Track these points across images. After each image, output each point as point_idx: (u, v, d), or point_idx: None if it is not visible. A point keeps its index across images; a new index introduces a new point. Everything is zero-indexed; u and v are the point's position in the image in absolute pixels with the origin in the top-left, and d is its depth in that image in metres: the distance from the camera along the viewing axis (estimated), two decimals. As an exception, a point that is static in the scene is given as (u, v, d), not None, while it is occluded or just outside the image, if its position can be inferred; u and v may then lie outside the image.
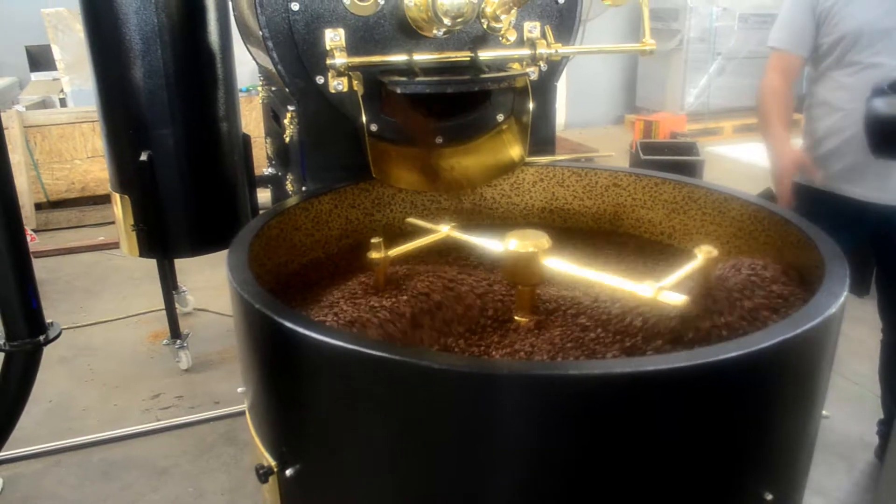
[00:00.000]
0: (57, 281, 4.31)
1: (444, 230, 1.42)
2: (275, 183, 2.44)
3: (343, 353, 0.93)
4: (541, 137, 1.80)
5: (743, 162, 6.52)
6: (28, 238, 2.07)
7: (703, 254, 1.19)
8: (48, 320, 2.09)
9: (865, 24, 2.11)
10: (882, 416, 2.61)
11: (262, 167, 2.70)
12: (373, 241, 1.27)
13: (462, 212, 1.79)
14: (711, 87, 8.03)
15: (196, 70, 2.57)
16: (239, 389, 1.33)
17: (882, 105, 1.93)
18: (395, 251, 1.32)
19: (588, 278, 1.19)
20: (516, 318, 1.26)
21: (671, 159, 4.57)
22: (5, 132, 1.91)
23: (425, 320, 1.22)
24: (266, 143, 2.48)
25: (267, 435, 1.21)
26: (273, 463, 1.18)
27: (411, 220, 1.50)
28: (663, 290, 1.08)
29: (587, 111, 8.23)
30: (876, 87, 1.96)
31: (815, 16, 2.21)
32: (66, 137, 5.36)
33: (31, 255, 2.06)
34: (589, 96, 8.19)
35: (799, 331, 0.97)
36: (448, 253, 1.57)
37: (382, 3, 1.55)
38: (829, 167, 2.28)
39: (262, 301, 1.05)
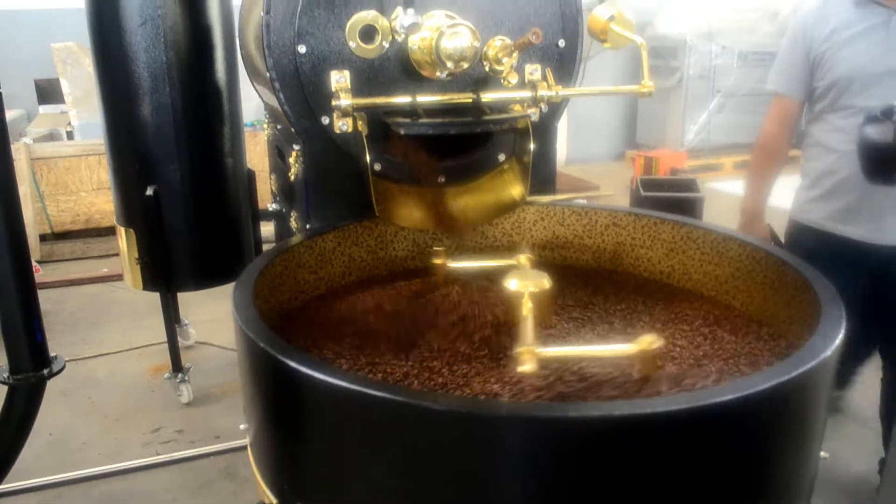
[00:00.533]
0: (60, 312, 4.33)
1: (518, 259, 1.55)
2: (279, 218, 2.46)
3: (345, 392, 0.95)
4: (541, 176, 1.83)
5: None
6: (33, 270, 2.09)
7: (643, 344, 1.10)
8: (52, 353, 2.10)
9: (857, 70, 2.15)
10: (884, 456, 2.61)
11: (266, 201, 2.73)
12: (436, 248, 1.59)
13: (464, 250, 1.81)
14: (711, 124, 8.11)
15: (203, 107, 2.62)
16: (242, 426, 1.34)
17: (873, 132, 1.98)
18: (457, 264, 1.56)
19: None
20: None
21: (672, 196, 4.60)
22: (13, 166, 1.93)
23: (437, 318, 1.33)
24: (270, 179, 2.52)
25: (268, 472, 1.22)
26: (274, 500, 1.18)
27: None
28: (526, 354, 1.10)
29: (588, 147, 8.30)
30: (869, 114, 2.01)
31: (809, 60, 2.26)
32: (73, 170, 5.42)
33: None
34: (590, 132, 8.26)
35: (795, 374, 0.98)
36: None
37: (387, 46, 1.59)
38: (825, 207, 2.31)
39: (267, 340, 1.07)
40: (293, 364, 1.00)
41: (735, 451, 0.97)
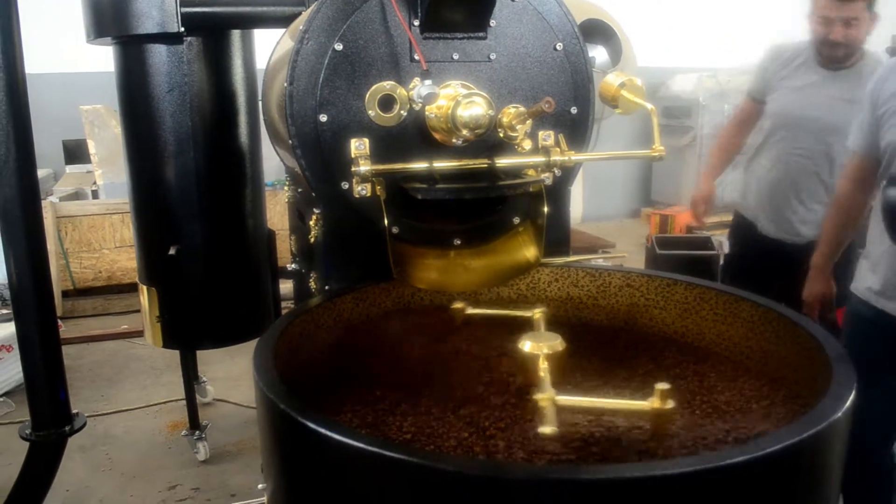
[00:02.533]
0: (80, 368, 4.37)
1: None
2: (297, 278, 2.52)
3: (364, 454, 0.97)
4: (555, 238, 1.87)
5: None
6: (57, 328, 2.14)
7: (657, 401, 1.17)
8: (74, 411, 2.14)
9: None
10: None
11: (285, 259, 2.78)
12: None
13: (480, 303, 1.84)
14: (725, 182, 8.12)
15: (226, 169, 2.70)
16: (260, 486, 1.36)
17: None
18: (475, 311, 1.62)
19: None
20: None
21: (687, 254, 4.62)
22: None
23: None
24: (290, 239, 2.57)
25: (286, 532, 1.23)
26: (292, 561, 1.20)
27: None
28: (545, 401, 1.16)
29: (603, 205, 8.37)
30: (892, 175, 1.97)
31: (874, 120, 2.25)
32: (96, 228, 5.53)
33: (60, 345, 2.12)
34: (605, 190, 8.33)
35: (805, 435, 0.99)
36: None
37: (405, 114, 1.65)
38: (871, 279, 2.27)
39: (287, 401, 1.10)
40: (313, 425, 1.02)
41: (747, 513, 0.98)
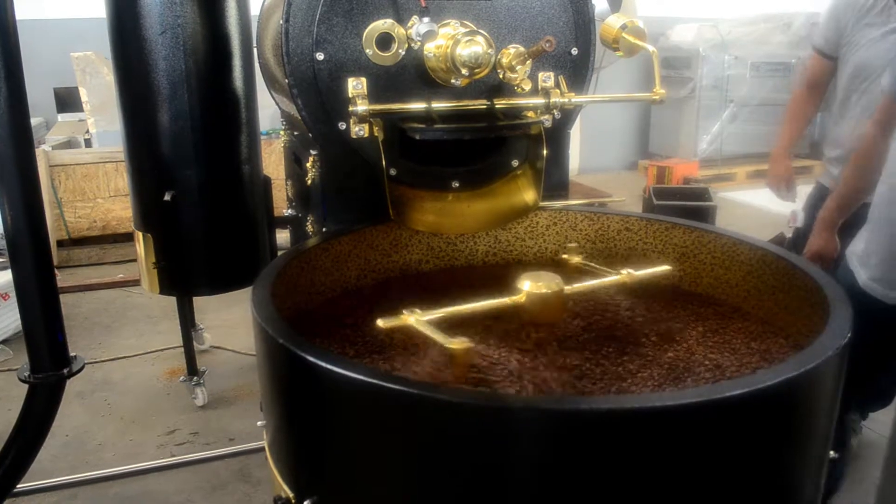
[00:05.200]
0: (76, 317, 4.38)
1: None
2: (294, 224, 2.51)
3: (362, 385, 0.97)
4: (554, 182, 1.86)
5: (756, 207, 6.55)
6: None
7: None
8: (72, 354, 2.14)
9: None
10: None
11: (282, 209, 2.77)
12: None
13: (477, 254, 1.84)
14: (724, 134, 8.11)
15: (221, 114, 2.66)
16: (259, 423, 1.37)
17: None
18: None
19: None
20: None
21: (684, 204, 4.62)
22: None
23: None
24: (287, 185, 2.55)
25: (286, 466, 1.24)
26: (291, 494, 1.21)
27: None
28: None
29: (601, 157, 8.32)
30: None
31: None
32: (90, 177, 5.49)
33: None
34: (603, 142, 8.28)
35: (802, 370, 1.00)
36: None
37: (403, 53, 1.62)
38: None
39: (286, 336, 1.10)
40: (311, 358, 1.03)
41: (742, 444, 0.99)
